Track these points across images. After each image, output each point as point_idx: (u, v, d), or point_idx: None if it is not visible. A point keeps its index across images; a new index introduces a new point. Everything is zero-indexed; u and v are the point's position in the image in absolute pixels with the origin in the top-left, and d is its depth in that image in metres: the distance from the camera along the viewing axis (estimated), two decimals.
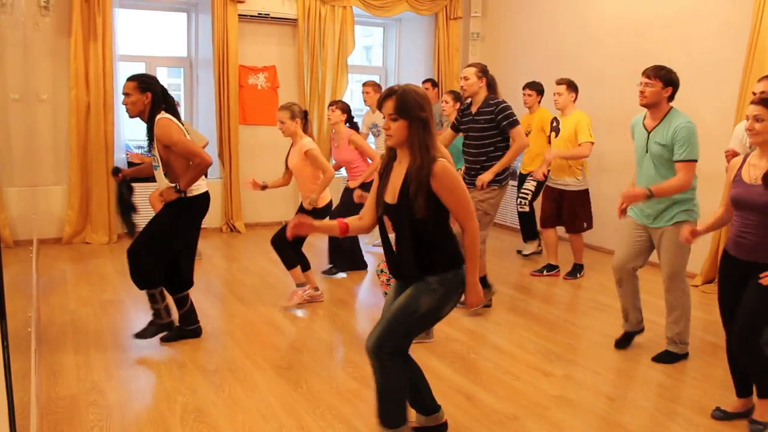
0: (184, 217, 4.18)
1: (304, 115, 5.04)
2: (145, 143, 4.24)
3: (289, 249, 5.04)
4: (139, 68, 7.34)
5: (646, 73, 3.93)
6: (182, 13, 7.97)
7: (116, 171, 4.39)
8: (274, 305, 5.17)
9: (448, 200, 2.74)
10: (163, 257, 4.20)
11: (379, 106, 2.78)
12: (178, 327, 4.41)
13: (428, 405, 3.12)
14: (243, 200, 7.90)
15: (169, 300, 4.34)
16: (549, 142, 6.03)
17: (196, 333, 4.44)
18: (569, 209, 5.98)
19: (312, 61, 8.02)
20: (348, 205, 5.85)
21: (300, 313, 5.06)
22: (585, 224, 6.03)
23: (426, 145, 2.70)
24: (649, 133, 3.98)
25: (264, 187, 5.14)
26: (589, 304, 5.43)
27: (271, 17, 7.83)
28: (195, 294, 4.54)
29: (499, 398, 3.66)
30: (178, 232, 4.21)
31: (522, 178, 6.66)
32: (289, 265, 5.08)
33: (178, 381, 3.79)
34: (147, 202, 7.15)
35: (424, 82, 7.88)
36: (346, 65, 8.25)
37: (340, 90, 8.15)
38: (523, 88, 6.60)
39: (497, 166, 4.84)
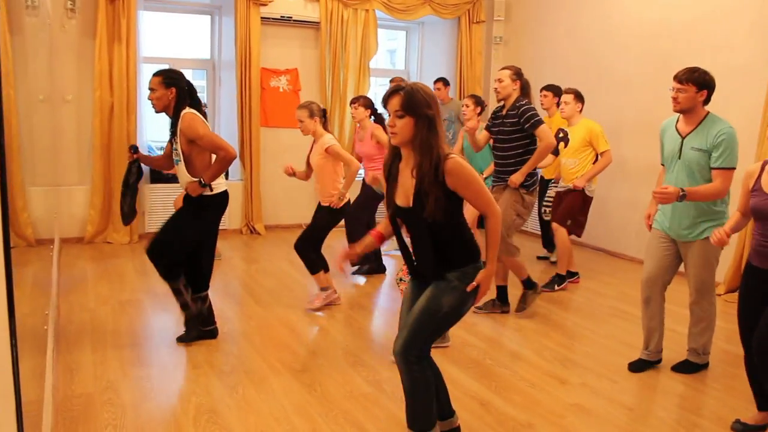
0: (204, 215, 4.21)
1: (323, 113, 5.04)
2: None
3: (312, 253, 5.05)
4: None
5: (678, 78, 3.73)
6: (206, 15, 8.03)
7: (134, 149, 4.33)
8: (291, 307, 5.17)
9: (465, 194, 2.70)
10: (183, 251, 4.22)
11: (385, 103, 2.71)
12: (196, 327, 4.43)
13: (444, 410, 3.09)
14: (263, 202, 7.93)
15: None
16: (557, 152, 5.95)
17: (213, 334, 4.45)
18: (567, 206, 5.84)
19: (334, 64, 8.04)
20: (362, 202, 5.94)
21: (317, 315, 5.06)
22: (569, 222, 5.83)
23: (430, 144, 2.64)
24: (683, 138, 3.81)
25: (293, 174, 5.13)
26: (608, 311, 5.36)
27: (294, 20, 7.86)
28: (212, 295, 4.54)
29: (514, 405, 3.61)
30: (197, 230, 4.23)
31: (544, 185, 6.58)
32: (313, 270, 5.08)
33: (193, 382, 3.80)
34: (168, 204, 7.26)
35: (435, 81, 7.85)
36: (368, 68, 8.25)
37: (363, 93, 8.14)
38: (541, 90, 6.54)
39: (526, 167, 4.86)
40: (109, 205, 7.07)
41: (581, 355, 4.39)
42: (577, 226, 5.91)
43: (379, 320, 5.11)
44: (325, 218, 5.03)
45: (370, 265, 6.15)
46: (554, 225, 5.88)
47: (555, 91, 6.46)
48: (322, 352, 4.33)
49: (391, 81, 6.98)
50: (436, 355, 4.21)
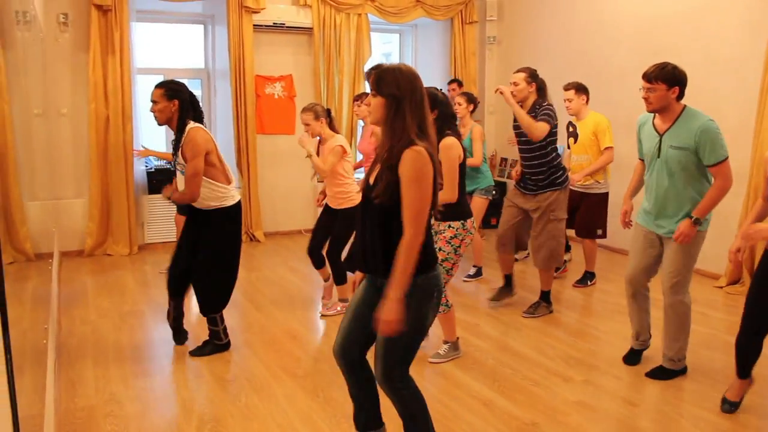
0: (228, 228, 4.16)
1: (328, 113, 5.03)
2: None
3: (341, 263, 5.04)
4: (157, 80, 7.39)
5: (647, 76, 3.54)
6: (198, 25, 8.03)
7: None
8: (292, 314, 5.16)
9: (402, 191, 2.48)
10: (230, 278, 4.26)
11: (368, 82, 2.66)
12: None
13: (369, 422, 2.97)
14: (262, 209, 7.92)
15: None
16: (567, 147, 5.91)
17: (226, 347, 4.42)
18: (586, 213, 5.79)
19: (328, 70, 8.03)
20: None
21: (318, 321, 5.05)
22: (600, 231, 5.81)
23: (394, 127, 2.51)
24: (661, 136, 3.67)
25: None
26: (611, 307, 5.34)
27: (287, 26, 7.85)
28: None
29: (517, 404, 3.60)
30: (232, 248, 4.21)
31: None
32: (341, 281, 5.09)
33: (196, 391, 3.79)
34: (168, 216, 7.25)
35: (449, 83, 7.85)
36: (363, 72, 8.24)
37: None
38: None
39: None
40: (108, 217, 7.06)
41: (584, 353, 4.38)
42: (602, 227, 5.85)
43: None
44: (343, 224, 5.02)
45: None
46: (585, 242, 5.86)
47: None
48: (325, 358, 4.32)
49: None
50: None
